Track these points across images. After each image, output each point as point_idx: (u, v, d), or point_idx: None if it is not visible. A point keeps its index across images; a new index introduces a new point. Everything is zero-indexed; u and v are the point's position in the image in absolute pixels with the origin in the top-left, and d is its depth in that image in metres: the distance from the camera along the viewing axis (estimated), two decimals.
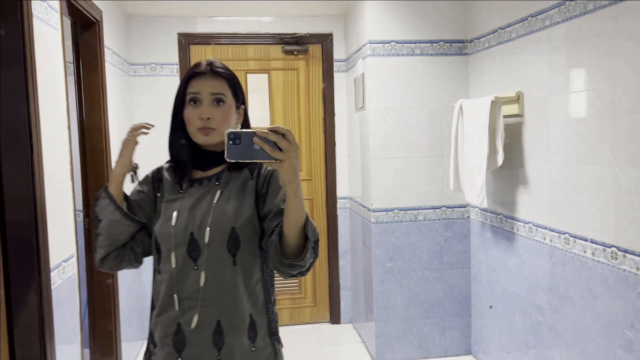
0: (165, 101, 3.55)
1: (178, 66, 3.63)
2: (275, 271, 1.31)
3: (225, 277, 1.29)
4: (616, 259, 1.96)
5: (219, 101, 1.32)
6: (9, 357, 1.73)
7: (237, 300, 1.29)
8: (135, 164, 1.41)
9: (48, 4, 2.02)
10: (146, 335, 3.52)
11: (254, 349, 1.31)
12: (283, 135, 1.07)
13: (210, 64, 1.34)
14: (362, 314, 3.59)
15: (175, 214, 1.32)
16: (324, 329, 3.91)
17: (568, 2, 2.16)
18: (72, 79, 2.69)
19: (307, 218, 1.19)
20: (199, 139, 1.32)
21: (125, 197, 1.37)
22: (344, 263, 3.89)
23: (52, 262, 1.88)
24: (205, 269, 1.28)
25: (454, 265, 3.21)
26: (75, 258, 2.18)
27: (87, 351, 2.74)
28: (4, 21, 1.67)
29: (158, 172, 1.43)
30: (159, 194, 1.39)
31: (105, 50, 2.86)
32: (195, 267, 1.29)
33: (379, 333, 3.19)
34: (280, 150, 1.07)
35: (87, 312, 2.81)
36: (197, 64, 1.36)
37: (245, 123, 1.41)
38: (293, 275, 1.25)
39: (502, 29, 2.71)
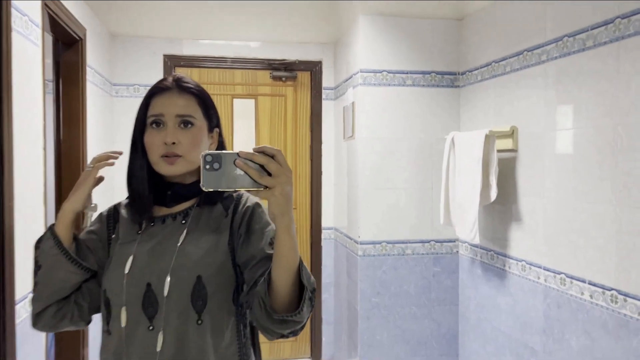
0: None
1: None
2: (261, 331, 1.05)
3: (188, 340, 1.05)
4: (616, 302, 1.88)
5: (186, 123, 1.11)
6: None
7: None
8: (93, 204, 1.18)
9: (29, 18, 1.91)
10: None
11: None
12: (272, 157, 0.88)
13: (176, 79, 1.15)
14: (344, 350, 3.45)
15: (130, 259, 1.09)
16: None
17: (566, 38, 2.13)
18: (50, 98, 2.57)
19: (300, 261, 0.97)
20: (162, 168, 1.11)
21: (75, 238, 1.15)
22: (327, 296, 3.76)
23: (18, 293, 1.73)
24: (164, 329, 1.04)
25: (442, 301, 3.11)
26: None
27: None
28: None
29: (115, 209, 1.21)
30: (113, 236, 1.17)
31: (88, 69, 2.75)
32: (151, 327, 1.05)
33: None
34: (270, 174, 0.88)
35: (54, 347, 2.62)
36: (162, 79, 1.16)
37: (221, 149, 1.21)
38: (284, 336, 1.01)
39: (496, 62, 2.68)
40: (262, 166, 0.88)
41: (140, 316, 1.06)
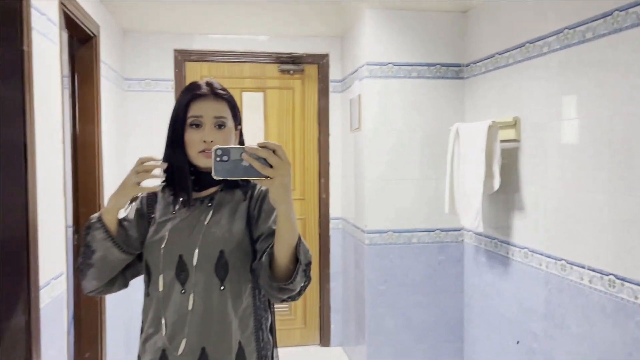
0: (158, 116, 3.53)
1: (173, 82, 3.61)
2: (267, 295, 1.27)
3: (213, 302, 1.25)
4: (614, 287, 1.95)
5: (221, 125, 1.29)
6: None
7: (226, 327, 1.25)
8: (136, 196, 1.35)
9: (48, 17, 1.99)
10: (131, 355, 3.44)
11: None
12: (273, 151, 1.04)
13: (210, 85, 1.31)
14: (352, 338, 3.54)
15: (166, 235, 1.28)
16: (314, 351, 3.85)
17: (567, 30, 2.18)
18: (67, 93, 2.66)
19: (299, 239, 1.15)
20: (200, 161, 1.29)
21: (120, 223, 1.30)
22: (335, 285, 3.85)
23: (42, 280, 1.83)
24: (194, 293, 1.24)
25: (447, 289, 3.18)
26: (64, 276, 2.12)
27: None
28: (3, 33, 1.65)
29: (154, 193, 1.38)
30: (153, 216, 1.35)
31: (101, 64, 2.84)
32: (183, 291, 1.25)
33: (370, 357, 3.14)
34: (271, 166, 1.04)
35: (73, 330, 2.73)
36: (196, 85, 1.31)
37: (241, 144, 1.38)
38: (283, 300, 1.22)
39: (499, 54, 2.73)
40: (265, 159, 1.03)
41: (174, 282, 1.26)
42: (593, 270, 2.06)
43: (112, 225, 1.26)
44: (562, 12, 2.21)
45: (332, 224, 3.84)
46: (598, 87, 2.01)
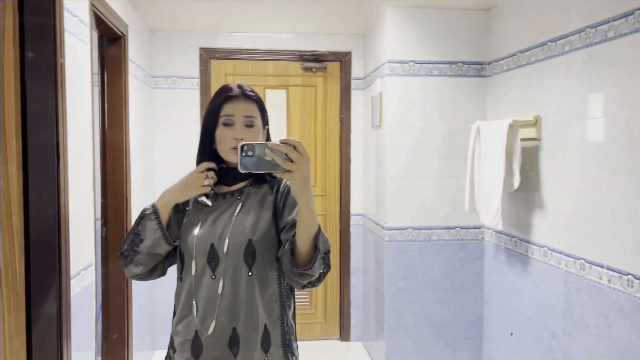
0: (184, 113, 3.62)
1: (198, 80, 3.69)
2: (289, 282, 1.37)
3: (241, 287, 1.35)
4: (632, 286, 1.94)
5: (250, 124, 1.39)
6: None
7: (253, 310, 1.35)
8: None
9: (79, 19, 2.08)
10: (157, 344, 3.55)
11: (266, 359, 1.36)
12: (294, 147, 1.14)
13: (240, 88, 1.42)
14: (372, 333, 3.58)
15: (198, 225, 1.39)
16: (334, 345, 3.90)
17: (588, 29, 2.18)
18: (96, 90, 2.75)
19: (319, 229, 1.25)
20: (231, 157, 1.39)
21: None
22: (355, 280, 3.89)
23: (72, 270, 1.92)
24: (223, 278, 1.34)
25: (467, 286, 3.19)
26: (93, 266, 2.21)
27: (99, 359, 2.76)
28: (38, 35, 1.73)
29: None
30: (187, 208, 1.46)
31: (130, 63, 2.92)
32: (213, 277, 1.35)
33: (389, 353, 3.18)
34: (292, 161, 1.14)
35: (101, 318, 2.83)
36: (228, 88, 1.42)
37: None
38: (304, 286, 1.32)
39: (520, 53, 2.73)
40: (286, 154, 1.14)
41: (206, 268, 1.37)
42: (612, 269, 2.05)
43: (165, 218, 1.38)
44: (584, 11, 2.21)
45: (353, 220, 3.88)
46: (619, 87, 2.01)
